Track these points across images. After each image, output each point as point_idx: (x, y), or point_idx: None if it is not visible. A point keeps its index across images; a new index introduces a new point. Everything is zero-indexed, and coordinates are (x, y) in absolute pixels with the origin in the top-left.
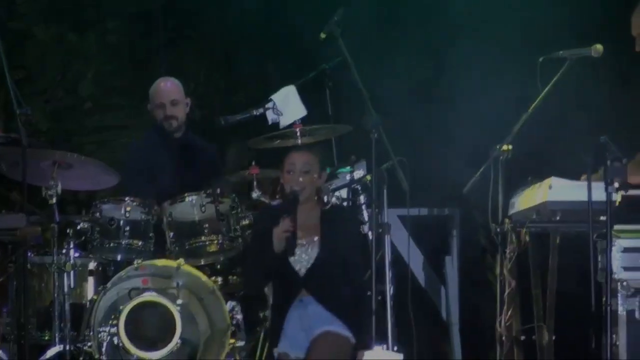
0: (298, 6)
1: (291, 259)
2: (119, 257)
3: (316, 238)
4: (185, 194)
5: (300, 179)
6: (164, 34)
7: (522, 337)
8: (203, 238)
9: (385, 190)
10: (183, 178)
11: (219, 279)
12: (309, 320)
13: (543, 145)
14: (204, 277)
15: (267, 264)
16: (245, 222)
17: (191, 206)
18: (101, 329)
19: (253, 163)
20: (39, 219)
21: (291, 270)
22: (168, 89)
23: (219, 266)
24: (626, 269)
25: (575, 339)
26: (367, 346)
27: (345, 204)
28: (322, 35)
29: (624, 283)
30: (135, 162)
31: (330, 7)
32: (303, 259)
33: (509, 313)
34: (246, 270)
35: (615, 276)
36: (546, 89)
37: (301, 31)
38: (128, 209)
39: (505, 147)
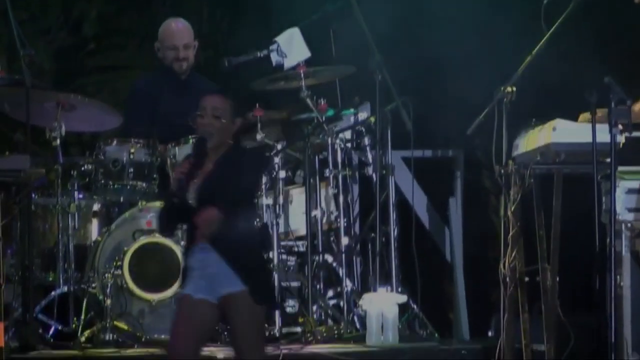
0: None
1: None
2: (122, 199)
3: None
4: (190, 136)
5: (210, 123)
6: None
7: (526, 279)
8: None
9: (389, 132)
10: (186, 118)
11: None
12: (213, 271)
13: (547, 87)
14: None
15: (165, 206)
16: None
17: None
18: (105, 270)
19: (257, 105)
20: (42, 161)
21: (187, 213)
22: (181, 31)
23: None
24: (630, 210)
25: (579, 280)
26: (265, 303)
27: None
28: None
29: (628, 224)
30: (139, 102)
31: None
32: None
33: (513, 254)
34: (159, 214)
35: (619, 217)
36: (551, 30)
37: None
38: (132, 150)
39: (509, 88)
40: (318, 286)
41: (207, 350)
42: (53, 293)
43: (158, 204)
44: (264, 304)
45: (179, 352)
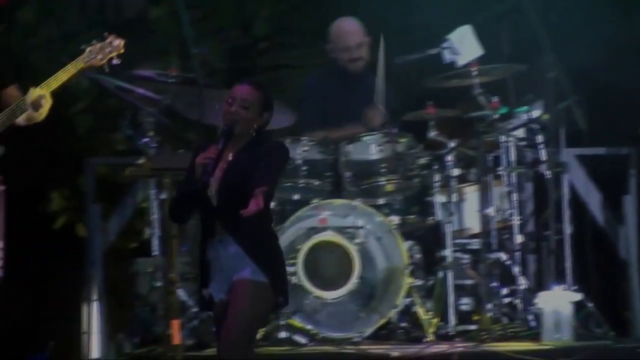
0: None
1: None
2: (296, 197)
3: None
4: (363, 134)
5: (237, 111)
6: None
7: None
8: (380, 178)
9: (562, 130)
10: (358, 117)
11: (397, 218)
12: (229, 263)
13: None
14: (381, 217)
15: (184, 192)
16: (423, 161)
17: (368, 146)
18: None
19: (430, 103)
20: None
21: (208, 202)
22: (353, 31)
23: (396, 205)
24: None
25: None
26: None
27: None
28: None
29: None
30: (311, 99)
31: None
32: (212, 194)
33: None
34: (172, 199)
35: None
36: None
37: None
38: (305, 148)
39: None
40: (492, 284)
41: (380, 349)
42: None
43: (334, 202)
44: (283, 296)
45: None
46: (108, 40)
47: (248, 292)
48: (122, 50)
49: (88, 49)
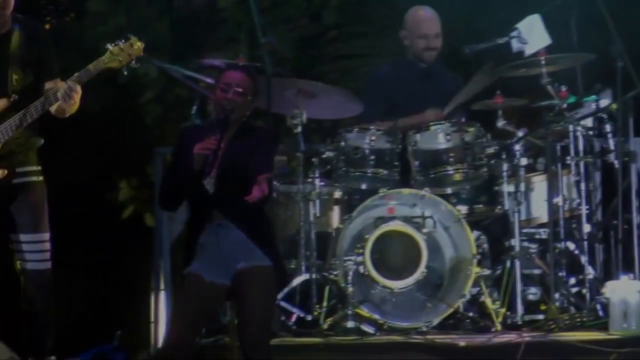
0: None
1: (205, 181)
2: (364, 186)
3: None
4: (431, 123)
5: (234, 98)
6: None
7: None
8: (448, 167)
9: (631, 119)
10: (427, 106)
11: (464, 207)
12: (228, 252)
13: None
14: (449, 206)
15: (180, 182)
16: (490, 150)
17: (436, 135)
18: (347, 258)
19: (498, 92)
20: (284, 148)
21: (202, 189)
22: (431, 20)
23: (464, 195)
24: None
25: None
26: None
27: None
28: None
29: None
30: (380, 89)
31: None
32: (210, 182)
33: None
34: (161, 187)
35: None
36: None
37: None
38: (373, 137)
39: None
40: (560, 273)
41: (448, 338)
42: (295, 280)
43: (402, 191)
44: (284, 276)
45: (180, 331)
46: (130, 42)
47: (262, 282)
48: (142, 54)
49: (109, 51)
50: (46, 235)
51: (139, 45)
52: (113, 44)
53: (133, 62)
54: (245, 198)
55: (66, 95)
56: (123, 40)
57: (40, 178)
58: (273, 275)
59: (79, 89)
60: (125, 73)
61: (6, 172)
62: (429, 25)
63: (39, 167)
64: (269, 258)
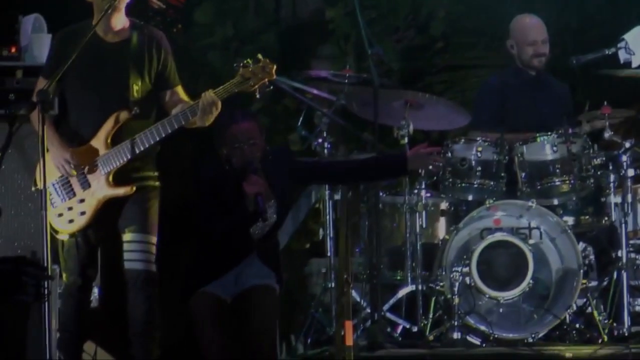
0: None
1: (253, 228)
2: (470, 197)
3: (271, 203)
4: (537, 134)
5: (250, 153)
6: None
7: None
8: (555, 178)
9: None
10: (537, 114)
11: (571, 219)
12: (247, 276)
13: None
14: (555, 217)
15: (233, 224)
16: (597, 162)
17: (543, 146)
18: (453, 269)
19: (605, 103)
20: None
21: (247, 235)
22: (538, 27)
23: (570, 206)
24: None
25: None
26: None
27: None
28: None
29: None
30: (489, 100)
31: None
32: (263, 227)
33: None
34: (206, 222)
35: None
36: None
37: None
38: (479, 149)
39: None
40: None
41: (554, 350)
42: (401, 291)
43: (508, 202)
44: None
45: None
46: (260, 64)
47: (269, 303)
48: (274, 77)
49: (240, 72)
50: (153, 239)
51: (271, 67)
52: (242, 64)
53: (266, 86)
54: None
55: (207, 110)
56: (247, 60)
57: (157, 183)
58: (277, 293)
59: (219, 104)
60: (258, 96)
61: (134, 188)
62: (536, 32)
63: (156, 173)
64: (274, 275)
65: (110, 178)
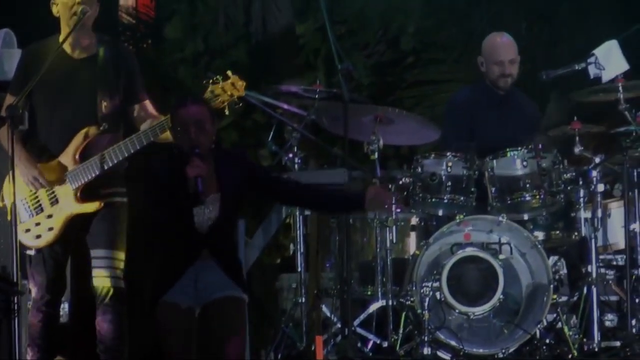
0: None
1: (195, 212)
2: (440, 212)
3: (216, 195)
4: (507, 149)
5: (195, 136)
6: None
7: None
8: (525, 193)
9: None
10: (505, 133)
11: (541, 234)
12: (205, 284)
13: None
14: (526, 232)
15: (174, 205)
16: (567, 176)
17: (513, 161)
18: (424, 284)
19: (575, 118)
20: (361, 175)
21: (192, 225)
22: (507, 46)
23: (540, 221)
24: None
25: None
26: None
27: None
28: None
29: None
30: (457, 116)
31: None
32: (204, 215)
33: None
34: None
35: None
36: None
37: None
38: (449, 164)
39: None
40: (637, 300)
41: None
42: (372, 307)
43: (478, 217)
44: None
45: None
46: (230, 81)
47: (238, 314)
48: (244, 93)
49: (209, 89)
50: (120, 254)
51: (240, 84)
52: (211, 81)
53: (235, 102)
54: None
55: None
56: (217, 77)
57: (124, 199)
58: (245, 306)
59: None
60: (227, 113)
61: (102, 204)
62: (504, 52)
63: (124, 189)
64: (239, 287)
65: (79, 194)
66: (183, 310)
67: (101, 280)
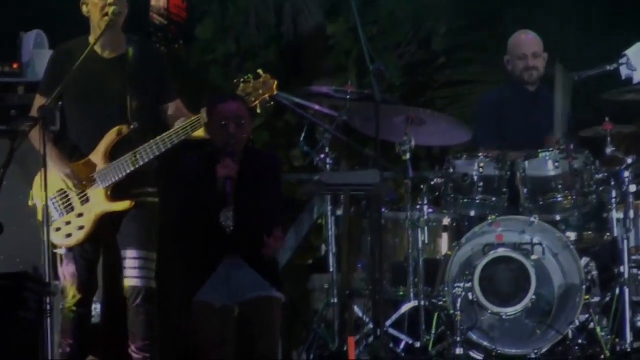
0: None
1: (222, 214)
2: (472, 213)
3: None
4: (539, 150)
5: (235, 132)
6: None
7: None
8: (557, 194)
9: None
10: (534, 133)
11: (573, 234)
12: (238, 283)
13: None
14: (558, 233)
15: (203, 205)
16: (599, 177)
17: (545, 162)
18: (456, 285)
19: (607, 119)
20: (392, 175)
21: (218, 225)
22: (530, 41)
23: (572, 222)
24: None
25: None
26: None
27: None
28: None
29: None
30: (487, 116)
31: None
32: (230, 215)
33: None
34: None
35: None
36: None
37: None
38: (481, 164)
39: None
40: None
41: None
42: (404, 307)
43: (510, 218)
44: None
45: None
46: (262, 80)
47: (272, 314)
48: (275, 92)
49: (241, 88)
50: (152, 255)
51: (272, 83)
52: (242, 80)
53: (267, 101)
54: (261, 253)
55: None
56: (248, 76)
57: (156, 199)
58: (280, 305)
59: None
60: (259, 112)
61: (133, 203)
62: (528, 46)
63: (155, 189)
64: (275, 289)
65: (109, 193)
66: (218, 310)
67: (133, 281)
